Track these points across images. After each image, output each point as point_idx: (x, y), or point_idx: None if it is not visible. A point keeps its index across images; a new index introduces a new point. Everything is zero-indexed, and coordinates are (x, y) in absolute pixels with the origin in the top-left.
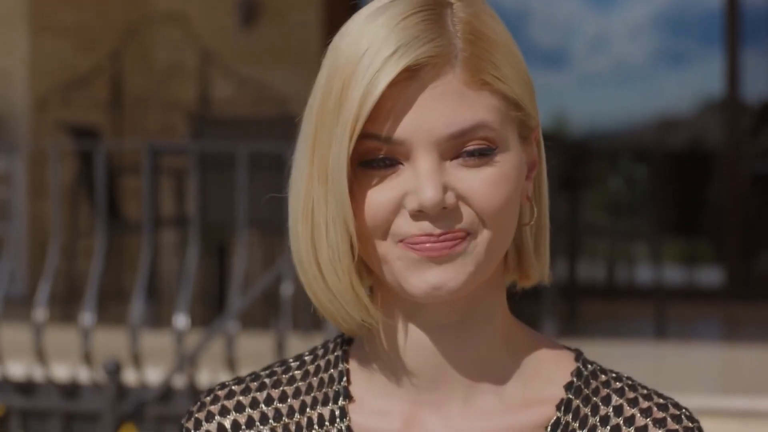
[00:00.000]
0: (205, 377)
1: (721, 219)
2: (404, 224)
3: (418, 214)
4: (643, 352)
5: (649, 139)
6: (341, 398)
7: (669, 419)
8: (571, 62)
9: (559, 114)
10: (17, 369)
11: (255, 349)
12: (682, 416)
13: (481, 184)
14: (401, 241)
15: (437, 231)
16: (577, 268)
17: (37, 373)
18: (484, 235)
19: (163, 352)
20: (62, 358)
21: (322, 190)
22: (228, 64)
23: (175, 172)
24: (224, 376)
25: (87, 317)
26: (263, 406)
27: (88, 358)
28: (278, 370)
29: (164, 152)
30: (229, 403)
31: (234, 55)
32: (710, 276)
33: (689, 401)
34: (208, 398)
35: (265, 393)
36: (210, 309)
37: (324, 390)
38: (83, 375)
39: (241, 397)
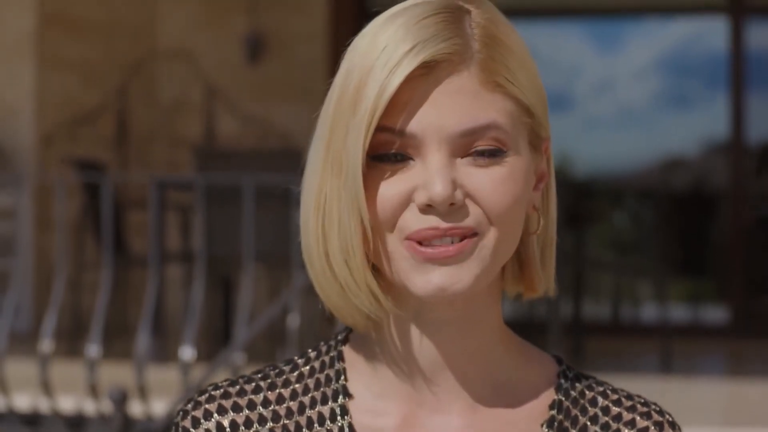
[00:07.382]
0: None
1: (725, 259)
2: (412, 218)
3: (426, 209)
4: (647, 387)
5: (654, 181)
6: (341, 396)
7: (654, 413)
8: (576, 105)
9: (563, 156)
10: (23, 401)
11: None
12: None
13: (489, 182)
14: (408, 238)
15: (444, 225)
16: (582, 305)
17: (43, 405)
18: (491, 236)
19: (168, 385)
20: (68, 390)
21: (335, 183)
22: (234, 100)
23: (181, 208)
24: None
25: (93, 348)
26: (260, 408)
27: (94, 390)
28: (272, 373)
29: (170, 186)
30: (226, 403)
31: (240, 90)
32: (715, 314)
33: None
34: (203, 397)
35: (261, 395)
36: (215, 344)
37: (322, 389)
38: (89, 407)
39: (237, 399)
